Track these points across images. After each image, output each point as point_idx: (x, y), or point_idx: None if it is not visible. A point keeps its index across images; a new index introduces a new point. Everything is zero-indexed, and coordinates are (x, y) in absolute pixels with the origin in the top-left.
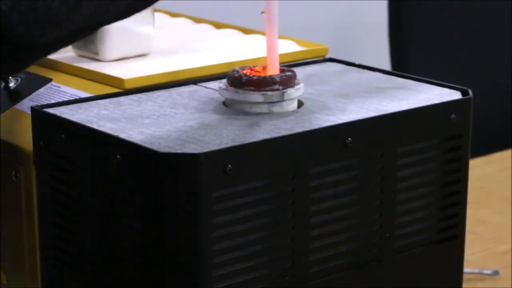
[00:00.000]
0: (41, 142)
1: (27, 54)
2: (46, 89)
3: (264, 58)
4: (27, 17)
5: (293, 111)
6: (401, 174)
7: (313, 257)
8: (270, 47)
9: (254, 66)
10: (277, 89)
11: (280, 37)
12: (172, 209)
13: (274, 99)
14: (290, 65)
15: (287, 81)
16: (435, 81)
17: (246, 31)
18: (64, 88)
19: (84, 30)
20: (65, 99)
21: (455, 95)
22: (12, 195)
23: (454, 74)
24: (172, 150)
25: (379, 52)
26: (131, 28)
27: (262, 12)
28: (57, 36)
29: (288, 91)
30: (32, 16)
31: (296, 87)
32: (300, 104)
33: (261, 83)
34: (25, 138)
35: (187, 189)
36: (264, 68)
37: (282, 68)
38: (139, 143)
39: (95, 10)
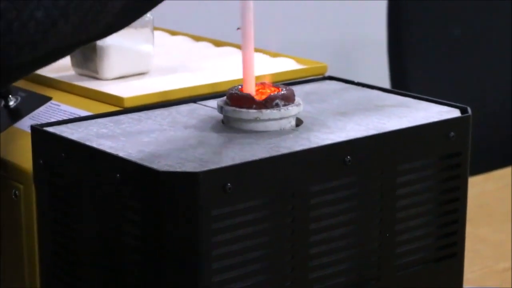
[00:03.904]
0: (41, 161)
1: (4, 74)
2: (46, 107)
3: (262, 76)
4: (3, 37)
5: (293, 129)
6: (401, 192)
7: (312, 275)
8: (246, 64)
9: (259, 83)
10: (230, 105)
11: (279, 55)
12: (172, 228)
13: (229, 115)
14: (289, 83)
15: (241, 100)
16: (434, 99)
17: None
18: (63, 106)
19: (63, 50)
20: (64, 118)
21: (454, 113)
22: (12, 213)
23: (453, 92)
24: (172, 169)
25: (379, 70)
26: (131, 47)
27: (238, 29)
28: (34, 56)
29: (240, 110)
30: (8, 36)
31: (255, 110)
32: (299, 122)
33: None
34: (25, 156)
35: (187, 208)
36: (262, 85)
37: (278, 86)
38: (139, 161)
39: (73, 30)
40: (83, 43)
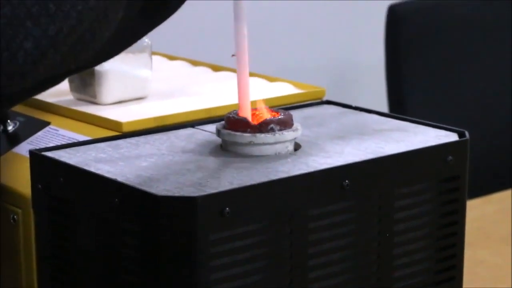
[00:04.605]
0: (40, 186)
1: None
2: (44, 132)
3: (257, 101)
4: None
5: (291, 153)
6: (399, 216)
7: None
8: (242, 89)
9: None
10: (226, 129)
11: (277, 79)
12: (170, 252)
13: (225, 138)
14: (287, 107)
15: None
16: (432, 123)
17: None
18: (62, 131)
19: (52, 79)
20: (63, 142)
21: (452, 137)
22: (10, 238)
23: (451, 115)
24: (170, 194)
25: (377, 94)
26: (129, 72)
27: (233, 55)
28: (23, 86)
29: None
30: None
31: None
32: (297, 146)
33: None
34: (23, 181)
35: (185, 232)
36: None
37: (277, 111)
38: (137, 186)
39: (62, 60)
40: (72, 72)
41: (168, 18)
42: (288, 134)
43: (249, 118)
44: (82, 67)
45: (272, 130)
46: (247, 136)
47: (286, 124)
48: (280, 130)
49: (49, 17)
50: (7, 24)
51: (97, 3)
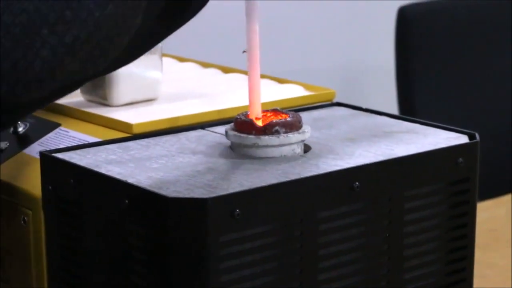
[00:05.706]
0: (50, 187)
1: (11, 112)
2: (55, 134)
3: (267, 103)
4: (9, 76)
5: (301, 155)
6: (409, 217)
7: None
8: (252, 86)
9: (267, 110)
10: (233, 130)
11: (287, 81)
12: (180, 254)
13: (232, 140)
14: (297, 109)
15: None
16: (442, 125)
17: None
18: (72, 133)
19: (70, 86)
20: (73, 144)
21: (462, 139)
22: (20, 240)
23: (461, 117)
24: (181, 195)
25: (387, 96)
26: (139, 73)
27: (244, 51)
28: (41, 94)
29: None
30: (14, 75)
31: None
32: (307, 148)
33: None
34: (33, 183)
35: (195, 234)
36: (273, 111)
37: (287, 113)
38: (148, 188)
39: (80, 67)
40: (89, 78)
41: (188, 21)
42: (293, 137)
43: (259, 116)
44: (101, 73)
45: (277, 132)
46: (251, 138)
47: (292, 126)
48: (286, 132)
49: (66, 25)
50: (23, 32)
51: (115, 10)
